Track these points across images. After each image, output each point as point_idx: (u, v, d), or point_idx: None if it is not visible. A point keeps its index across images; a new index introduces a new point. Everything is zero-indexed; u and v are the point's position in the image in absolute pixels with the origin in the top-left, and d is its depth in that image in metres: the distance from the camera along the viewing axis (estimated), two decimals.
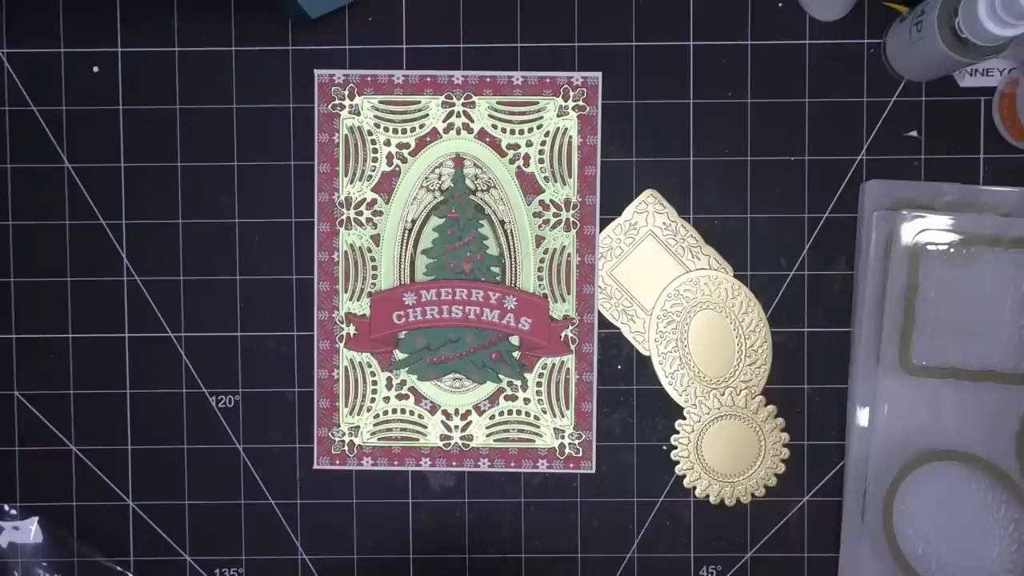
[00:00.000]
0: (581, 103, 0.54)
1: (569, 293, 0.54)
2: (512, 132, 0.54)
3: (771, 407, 0.54)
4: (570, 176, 0.54)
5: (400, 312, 0.54)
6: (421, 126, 0.54)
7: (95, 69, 0.54)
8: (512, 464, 0.54)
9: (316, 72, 0.54)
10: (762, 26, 0.54)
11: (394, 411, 0.54)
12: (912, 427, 0.52)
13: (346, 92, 0.54)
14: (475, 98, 0.54)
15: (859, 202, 0.53)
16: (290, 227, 0.54)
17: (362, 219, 0.54)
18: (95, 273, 0.54)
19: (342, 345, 0.54)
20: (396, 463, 0.54)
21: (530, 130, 0.54)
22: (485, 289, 0.54)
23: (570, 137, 0.54)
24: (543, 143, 0.54)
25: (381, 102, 0.54)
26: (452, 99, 0.54)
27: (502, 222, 0.54)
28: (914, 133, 0.54)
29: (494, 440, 0.54)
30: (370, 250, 0.54)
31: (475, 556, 0.55)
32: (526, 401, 0.54)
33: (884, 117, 0.54)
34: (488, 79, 0.54)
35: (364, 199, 0.54)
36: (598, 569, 0.55)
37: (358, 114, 0.54)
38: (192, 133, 0.54)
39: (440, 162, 0.54)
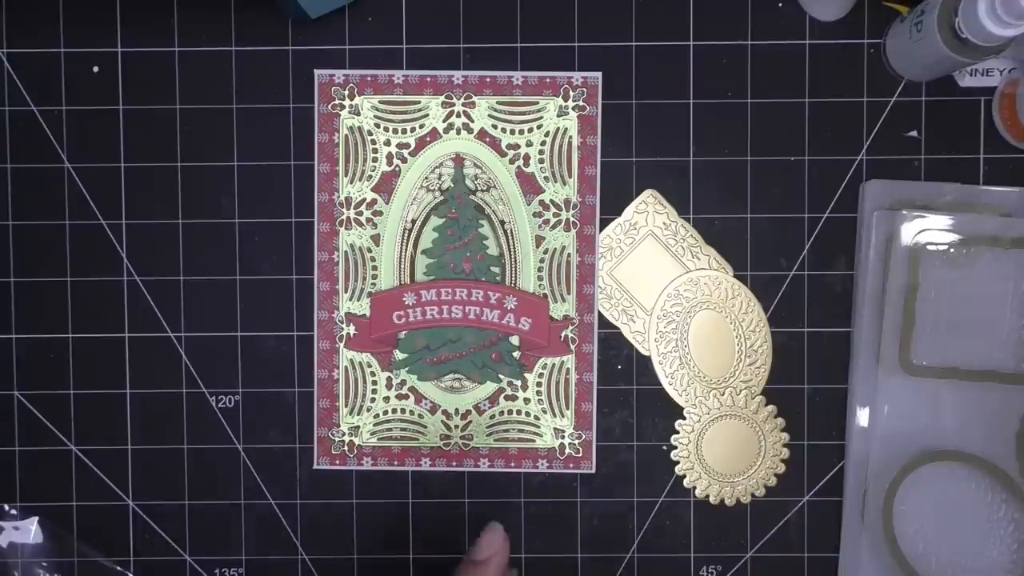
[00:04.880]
0: (581, 103, 0.54)
1: (569, 293, 0.54)
2: (512, 132, 0.54)
3: (771, 407, 0.54)
4: (570, 176, 0.54)
5: (400, 312, 0.54)
6: (421, 126, 0.54)
7: (95, 69, 0.54)
8: (512, 464, 0.54)
9: (316, 72, 0.54)
10: (762, 26, 0.54)
11: (394, 411, 0.54)
12: (912, 427, 0.52)
13: (346, 92, 0.54)
14: (475, 98, 0.54)
15: (859, 202, 0.53)
16: (290, 227, 0.54)
17: (362, 219, 0.54)
18: (95, 273, 0.54)
19: (342, 345, 0.54)
20: (396, 463, 0.54)
21: (530, 130, 0.54)
22: (485, 289, 0.54)
23: (570, 137, 0.54)
24: (543, 143, 0.54)
25: (381, 102, 0.54)
26: (452, 99, 0.54)
27: (502, 222, 0.54)
28: (914, 133, 0.54)
29: (494, 440, 0.54)
30: (370, 250, 0.54)
31: None
32: (526, 401, 0.54)
33: (884, 117, 0.54)
34: (488, 79, 0.54)
35: (364, 199, 0.54)
36: (598, 569, 0.55)
37: (358, 114, 0.54)
38: (192, 133, 0.54)
39: (440, 162, 0.54)
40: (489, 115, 0.54)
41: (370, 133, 0.54)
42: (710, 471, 0.54)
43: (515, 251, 0.54)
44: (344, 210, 0.54)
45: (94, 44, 0.54)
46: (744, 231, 0.54)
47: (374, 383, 0.54)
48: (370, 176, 0.54)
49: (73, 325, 0.54)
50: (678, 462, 0.54)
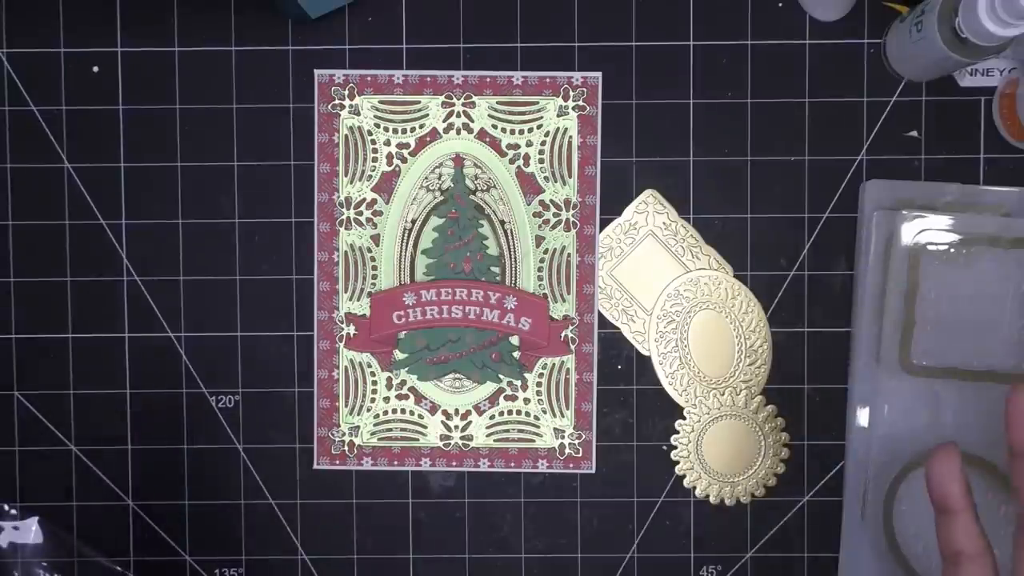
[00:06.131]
0: (581, 103, 0.54)
1: (569, 293, 0.54)
2: (512, 132, 0.54)
3: (771, 407, 0.54)
4: (570, 176, 0.54)
5: (400, 312, 0.54)
6: (421, 126, 0.54)
7: (95, 69, 0.54)
8: (512, 464, 0.54)
9: (316, 72, 0.54)
10: (762, 26, 0.54)
11: (394, 411, 0.54)
12: (912, 427, 0.52)
13: (346, 92, 0.54)
14: (475, 98, 0.54)
15: (859, 202, 0.53)
16: (290, 227, 0.54)
17: (362, 219, 0.54)
18: (95, 273, 0.54)
19: (342, 345, 0.54)
20: (396, 463, 0.54)
21: (530, 130, 0.54)
22: (485, 289, 0.54)
23: (570, 137, 0.54)
24: (543, 143, 0.54)
25: (381, 102, 0.54)
26: (452, 99, 0.54)
27: (502, 222, 0.54)
28: (914, 133, 0.54)
29: (494, 440, 0.54)
30: (370, 250, 0.54)
31: (475, 556, 0.55)
32: (526, 401, 0.54)
33: (884, 117, 0.54)
34: (488, 79, 0.54)
35: (364, 199, 0.54)
36: (598, 569, 0.55)
37: (358, 114, 0.54)
38: (192, 133, 0.54)
39: (440, 162, 0.54)
40: (489, 115, 0.54)
41: (370, 133, 0.54)
42: (710, 471, 0.54)
43: (515, 251, 0.54)
44: (344, 210, 0.54)
45: (94, 44, 0.54)
46: (744, 231, 0.54)
47: (374, 383, 0.54)
48: (370, 176, 0.54)
49: (73, 325, 0.54)
50: (678, 462, 0.54)
